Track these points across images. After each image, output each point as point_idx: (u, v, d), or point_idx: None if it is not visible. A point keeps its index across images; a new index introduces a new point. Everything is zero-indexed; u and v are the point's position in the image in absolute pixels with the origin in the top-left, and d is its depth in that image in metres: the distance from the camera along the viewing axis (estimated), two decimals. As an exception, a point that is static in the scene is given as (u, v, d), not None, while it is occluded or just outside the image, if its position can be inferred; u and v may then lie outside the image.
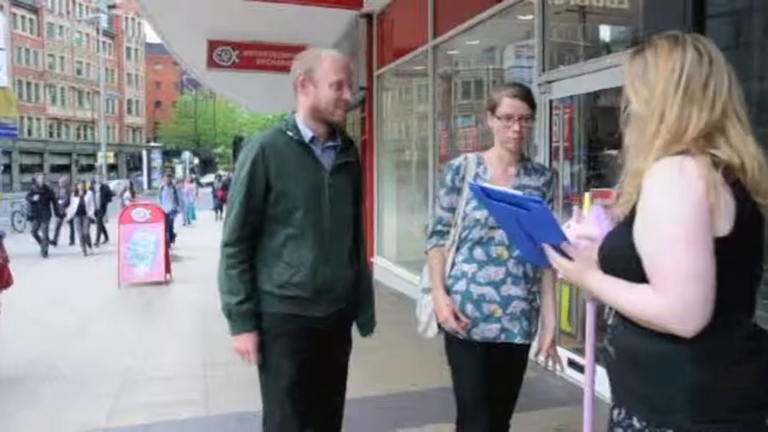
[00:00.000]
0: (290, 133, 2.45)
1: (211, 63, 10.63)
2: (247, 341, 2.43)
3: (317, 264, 2.46)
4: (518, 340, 2.55)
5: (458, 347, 2.57)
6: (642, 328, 1.44)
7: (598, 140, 5.16)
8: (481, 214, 2.50)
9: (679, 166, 1.38)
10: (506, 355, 2.57)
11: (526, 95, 2.54)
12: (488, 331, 2.54)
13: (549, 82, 5.01)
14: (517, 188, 2.53)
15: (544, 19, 5.12)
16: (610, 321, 1.60)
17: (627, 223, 1.48)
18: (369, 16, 9.42)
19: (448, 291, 2.57)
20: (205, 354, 5.70)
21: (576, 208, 1.85)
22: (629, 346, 1.50)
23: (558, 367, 2.62)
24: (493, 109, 2.56)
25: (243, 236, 2.43)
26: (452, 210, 2.61)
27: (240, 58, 10.67)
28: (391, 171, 9.67)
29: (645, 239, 1.42)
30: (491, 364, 2.54)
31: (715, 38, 3.45)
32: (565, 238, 1.61)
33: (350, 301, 2.60)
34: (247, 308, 2.42)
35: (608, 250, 1.55)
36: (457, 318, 2.50)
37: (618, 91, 4.61)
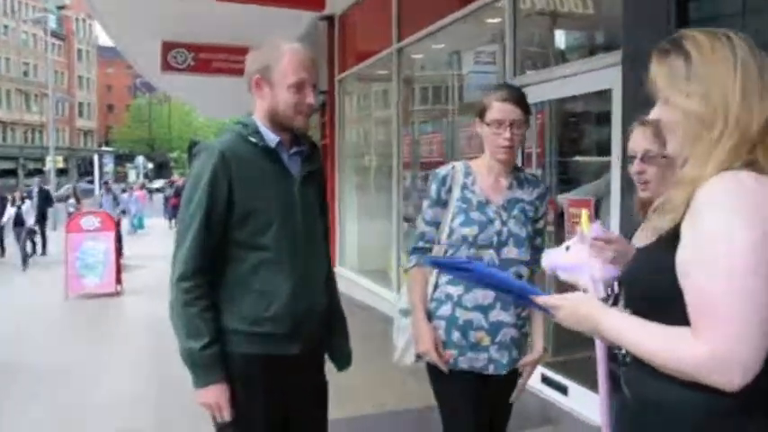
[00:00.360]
0: (252, 139, 2.10)
1: (165, 66, 10.21)
2: (217, 393, 2.02)
3: (296, 291, 2.12)
4: (507, 372, 2.31)
5: (446, 377, 2.31)
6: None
7: (570, 146, 5.02)
8: (469, 231, 2.28)
9: (746, 183, 1.17)
10: (495, 384, 2.34)
11: (519, 99, 2.31)
12: (476, 361, 2.31)
13: (521, 87, 4.82)
14: (509, 201, 2.35)
15: (515, 23, 4.94)
16: (623, 351, 1.40)
17: (666, 244, 1.25)
18: (330, 18, 9.14)
19: (430, 315, 2.33)
20: (160, 373, 5.28)
21: (578, 229, 1.64)
22: (651, 393, 1.27)
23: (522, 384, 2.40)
24: (482, 114, 2.32)
25: (203, 266, 2.04)
26: (436, 224, 2.36)
27: (196, 60, 10.28)
28: (352, 178, 9.42)
29: (693, 269, 1.19)
30: (479, 394, 2.31)
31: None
32: (533, 291, 1.47)
33: (323, 333, 2.30)
34: (214, 353, 2.02)
35: (637, 276, 1.33)
36: (438, 349, 2.27)
37: (589, 96, 4.44)
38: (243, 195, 2.05)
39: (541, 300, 1.43)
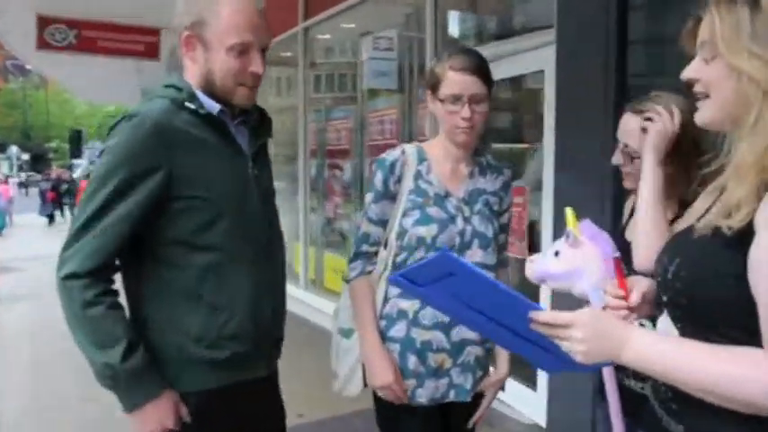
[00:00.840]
0: (190, 105, 1.62)
1: (42, 43, 9.19)
2: (161, 411, 1.58)
3: (258, 298, 1.69)
4: (469, 398, 1.95)
5: (404, 417, 1.91)
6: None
7: (501, 132, 4.83)
8: (427, 231, 1.86)
9: None
10: (455, 412, 1.99)
11: (479, 68, 1.86)
12: (435, 390, 1.90)
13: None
14: (472, 193, 1.96)
15: (437, 2, 4.66)
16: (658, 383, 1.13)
17: (733, 243, 0.99)
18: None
19: (382, 337, 1.90)
20: (45, 388, 4.67)
21: (569, 229, 1.36)
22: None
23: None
24: (434, 87, 1.89)
25: (108, 265, 1.58)
26: (384, 222, 1.93)
27: (78, 38, 9.31)
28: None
29: None
30: (435, 425, 1.95)
31: (637, 63, 3.15)
32: (528, 304, 1.11)
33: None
34: (139, 359, 1.55)
35: (692, 283, 1.06)
36: (399, 381, 1.87)
37: (516, 80, 4.24)
38: (183, 180, 1.58)
39: (545, 316, 1.08)
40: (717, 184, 1.13)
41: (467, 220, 1.91)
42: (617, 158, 1.79)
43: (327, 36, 6.96)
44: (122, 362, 1.52)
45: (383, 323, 1.92)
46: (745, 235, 0.99)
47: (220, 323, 1.64)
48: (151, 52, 9.45)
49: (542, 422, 3.72)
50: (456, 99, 1.84)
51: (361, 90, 6.37)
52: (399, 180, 1.92)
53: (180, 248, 1.62)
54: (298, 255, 7.17)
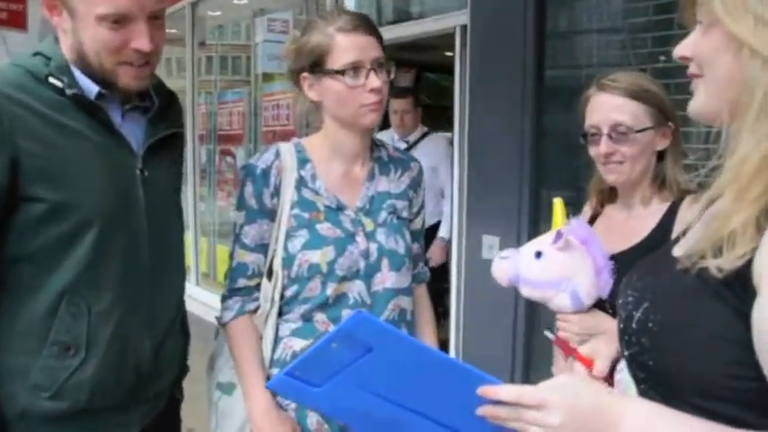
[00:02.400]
0: (56, 82, 1.27)
1: None
2: None
3: (126, 336, 1.36)
4: None
5: None
6: None
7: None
8: (321, 256, 1.49)
9: None
10: None
11: (372, 26, 1.52)
12: None
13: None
14: (372, 200, 1.58)
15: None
16: None
17: (722, 291, 0.77)
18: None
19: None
20: None
21: (560, 229, 1.13)
22: None
23: None
24: (317, 63, 1.48)
25: None
26: (263, 248, 1.55)
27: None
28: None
29: None
30: None
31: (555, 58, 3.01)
32: (479, 376, 0.84)
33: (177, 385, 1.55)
34: None
35: (663, 341, 0.83)
36: None
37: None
38: (34, 174, 1.23)
39: (508, 393, 0.82)
40: (709, 194, 0.92)
41: (370, 235, 1.54)
42: (606, 147, 1.47)
43: (218, 13, 6.51)
44: None
45: (275, 371, 1.53)
46: (740, 279, 0.76)
47: (72, 367, 1.29)
48: (16, 21, 8.57)
49: None
50: (357, 68, 1.46)
51: (255, 73, 6.01)
52: (277, 192, 1.52)
53: (27, 267, 1.27)
54: (188, 247, 6.71)
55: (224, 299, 1.59)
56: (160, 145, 1.44)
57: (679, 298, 0.83)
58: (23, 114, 1.24)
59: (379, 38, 1.52)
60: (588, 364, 1.03)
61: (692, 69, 0.89)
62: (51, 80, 1.28)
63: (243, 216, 1.55)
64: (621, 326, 0.92)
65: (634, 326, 0.88)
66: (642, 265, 1.00)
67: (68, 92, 1.28)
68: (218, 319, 1.60)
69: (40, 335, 1.29)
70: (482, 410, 0.83)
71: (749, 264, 0.75)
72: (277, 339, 1.55)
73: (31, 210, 1.26)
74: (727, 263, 0.76)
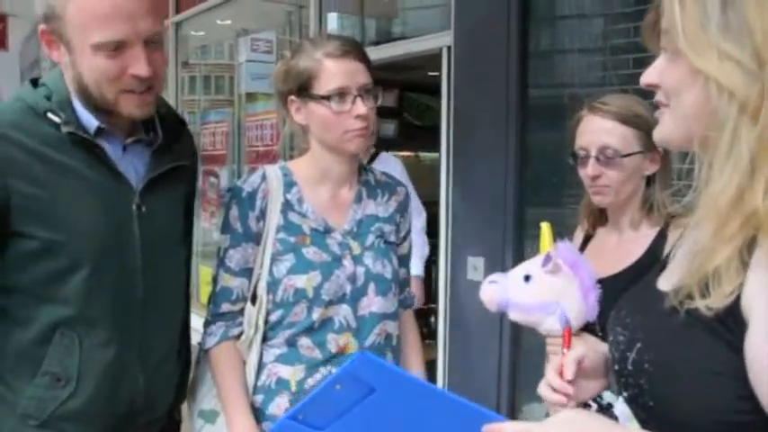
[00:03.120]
0: (54, 117, 1.27)
1: None
2: None
3: (118, 370, 1.34)
4: None
5: None
6: None
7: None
8: (306, 281, 1.47)
9: None
10: None
11: (361, 52, 1.53)
12: None
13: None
14: (360, 223, 1.58)
15: (321, 1, 4.38)
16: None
17: (716, 328, 0.76)
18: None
19: (256, 416, 1.49)
20: None
21: (550, 252, 1.12)
22: None
23: None
24: (304, 87, 1.49)
25: None
26: (247, 272, 1.52)
27: None
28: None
29: None
30: None
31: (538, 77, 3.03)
32: (483, 413, 0.83)
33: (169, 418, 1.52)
34: None
35: (662, 382, 0.82)
36: None
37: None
38: (26, 213, 1.23)
39: (514, 429, 0.82)
40: (687, 221, 0.91)
41: (357, 259, 1.53)
42: (592, 169, 1.48)
43: (201, 33, 6.51)
44: None
45: (259, 398, 1.51)
46: (731, 315, 0.75)
47: (61, 398, 1.28)
48: (-4, 40, 8.53)
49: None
50: (343, 94, 1.46)
51: (239, 93, 5.99)
52: (263, 215, 1.51)
53: (22, 298, 1.27)
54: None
55: (207, 324, 1.56)
56: (163, 178, 1.41)
57: (672, 336, 0.81)
58: (17, 154, 1.23)
59: (367, 64, 1.52)
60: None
61: (659, 97, 0.88)
62: (50, 116, 1.27)
63: (228, 239, 1.53)
64: (617, 367, 0.90)
65: (630, 367, 0.86)
66: (628, 300, 0.98)
67: (63, 129, 1.27)
68: (201, 344, 1.56)
69: (32, 363, 1.29)
70: None
71: (738, 299, 0.74)
72: (261, 365, 1.52)
73: (22, 245, 1.25)
74: (715, 302, 0.75)
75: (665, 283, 0.89)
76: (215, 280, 1.56)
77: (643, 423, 0.85)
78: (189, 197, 1.58)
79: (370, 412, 0.82)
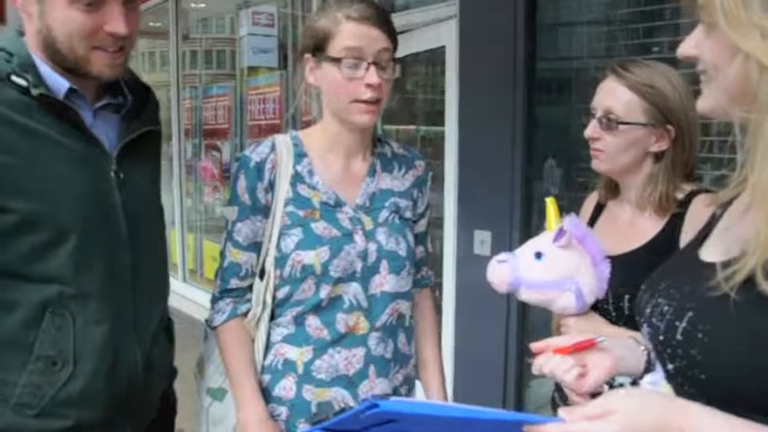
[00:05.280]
0: (19, 81, 1.19)
1: None
2: None
3: (115, 346, 1.29)
4: None
5: None
6: None
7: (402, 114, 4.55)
8: (314, 256, 1.40)
9: None
10: None
11: (384, 18, 1.41)
12: None
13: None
14: (373, 197, 1.50)
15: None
16: None
17: None
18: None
19: (265, 398, 1.45)
20: None
21: (563, 227, 1.10)
22: None
23: None
24: (320, 46, 1.41)
25: None
26: (256, 247, 1.46)
27: None
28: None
29: None
30: None
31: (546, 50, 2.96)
32: (519, 419, 0.80)
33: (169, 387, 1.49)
34: None
35: (719, 354, 0.78)
36: None
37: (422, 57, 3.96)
38: (1, 184, 1.16)
39: (560, 429, 0.77)
40: (727, 196, 0.88)
41: (369, 235, 1.46)
42: (591, 130, 1.44)
43: (202, 5, 6.43)
44: None
45: (266, 378, 1.46)
46: None
47: (60, 382, 1.22)
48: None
49: None
50: (357, 58, 1.37)
51: (240, 67, 5.94)
52: (271, 187, 1.43)
53: (5, 280, 1.20)
54: (174, 243, 6.64)
55: (215, 300, 1.50)
56: (135, 144, 1.35)
57: (731, 307, 0.77)
58: None
59: (389, 33, 1.42)
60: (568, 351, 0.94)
61: (701, 67, 0.84)
62: (14, 78, 1.19)
63: (235, 212, 1.46)
64: (661, 338, 0.86)
65: (679, 337, 0.82)
66: (668, 271, 0.94)
67: (34, 92, 1.19)
68: (208, 321, 1.52)
69: (22, 350, 1.21)
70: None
71: None
72: (269, 345, 1.47)
73: (1, 221, 1.18)
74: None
75: (712, 254, 0.87)
76: (222, 254, 1.50)
77: (690, 398, 0.81)
78: (157, 163, 1.53)
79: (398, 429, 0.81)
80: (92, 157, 1.27)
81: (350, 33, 1.37)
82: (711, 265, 0.82)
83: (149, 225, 1.41)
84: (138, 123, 1.37)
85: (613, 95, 1.41)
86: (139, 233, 1.34)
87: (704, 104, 0.85)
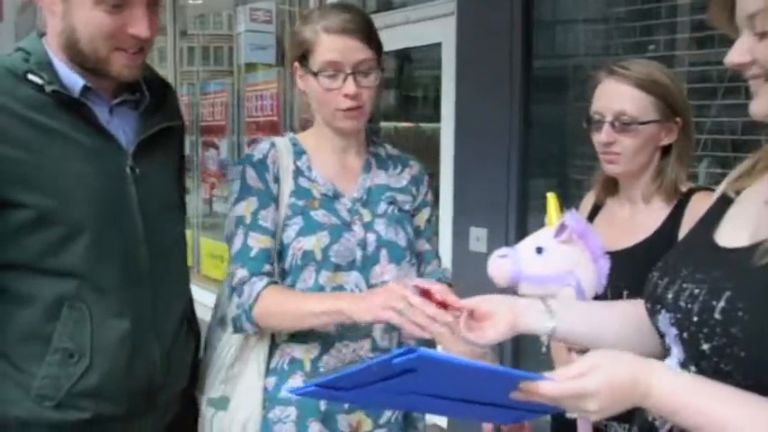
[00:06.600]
0: (35, 79, 1.22)
1: None
2: None
3: (135, 340, 1.31)
4: None
5: None
6: None
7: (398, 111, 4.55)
8: (315, 242, 1.41)
9: None
10: None
11: (362, 27, 1.43)
12: None
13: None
14: (370, 191, 1.52)
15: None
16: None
17: None
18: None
19: (271, 400, 1.43)
20: None
21: (565, 221, 1.11)
22: None
23: None
24: (303, 58, 1.45)
25: None
26: (275, 235, 1.45)
27: None
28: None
29: None
30: None
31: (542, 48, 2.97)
32: (518, 375, 0.83)
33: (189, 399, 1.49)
34: None
35: (763, 330, 0.80)
36: None
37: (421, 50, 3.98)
38: (15, 180, 1.19)
39: (548, 390, 0.82)
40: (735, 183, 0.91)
41: (367, 226, 1.48)
42: (606, 136, 1.42)
43: (199, 2, 6.43)
44: None
45: (272, 381, 1.44)
46: None
47: (76, 375, 1.25)
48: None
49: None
50: (335, 70, 1.41)
51: (238, 63, 5.94)
52: (276, 179, 1.46)
53: (21, 274, 1.23)
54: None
55: (243, 282, 1.39)
56: (153, 141, 1.37)
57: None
58: (0, 117, 1.19)
59: (370, 41, 1.44)
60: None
61: (755, 71, 0.86)
62: (31, 77, 1.23)
63: (255, 201, 1.44)
64: (696, 319, 0.87)
65: (717, 316, 0.84)
66: (686, 257, 0.96)
67: (48, 89, 1.22)
68: (240, 309, 1.39)
69: (42, 342, 1.25)
70: (516, 395, 0.84)
71: None
72: (273, 345, 1.47)
73: (15, 216, 1.21)
74: None
75: (734, 238, 0.89)
76: (246, 245, 1.42)
77: (724, 378, 0.83)
78: (180, 162, 1.54)
79: (405, 384, 0.81)
80: (106, 153, 1.29)
81: (328, 48, 1.41)
82: (737, 249, 0.85)
83: (167, 222, 1.42)
84: (156, 119, 1.39)
85: (621, 97, 1.41)
86: (156, 230, 1.35)
87: (760, 106, 0.87)
